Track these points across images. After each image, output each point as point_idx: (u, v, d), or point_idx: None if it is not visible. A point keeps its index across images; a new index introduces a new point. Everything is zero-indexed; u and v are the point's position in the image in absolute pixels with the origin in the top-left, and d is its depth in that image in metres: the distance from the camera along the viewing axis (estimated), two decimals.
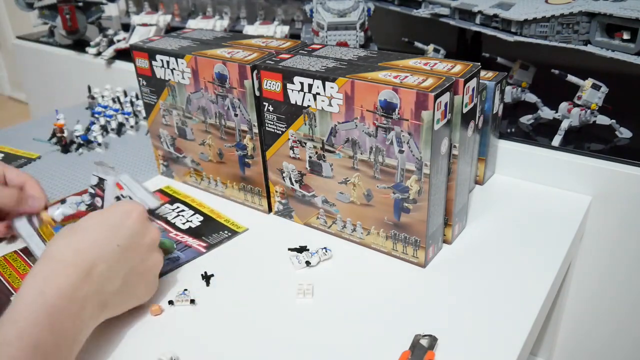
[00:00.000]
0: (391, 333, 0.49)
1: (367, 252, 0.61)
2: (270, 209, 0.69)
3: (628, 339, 0.77)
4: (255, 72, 0.60)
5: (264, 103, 0.61)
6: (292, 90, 0.58)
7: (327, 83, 0.55)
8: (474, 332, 0.49)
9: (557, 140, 0.74)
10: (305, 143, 0.60)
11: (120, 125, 0.95)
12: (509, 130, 0.79)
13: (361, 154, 0.56)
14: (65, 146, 0.88)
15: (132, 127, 0.95)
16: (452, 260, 0.59)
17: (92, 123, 0.93)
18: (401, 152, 0.53)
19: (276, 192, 0.67)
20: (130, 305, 0.51)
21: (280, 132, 0.62)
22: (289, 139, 0.61)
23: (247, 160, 0.67)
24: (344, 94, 0.54)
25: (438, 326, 0.50)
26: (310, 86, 0.56)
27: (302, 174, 0.63)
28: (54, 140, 0.89)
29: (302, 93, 0.57)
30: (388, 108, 0.52)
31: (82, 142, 0.87)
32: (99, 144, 0.88)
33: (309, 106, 0.57)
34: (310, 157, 0.61)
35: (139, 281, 0.51)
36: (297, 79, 0.57)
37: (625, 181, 0.67)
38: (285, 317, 0.52)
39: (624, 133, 0.75)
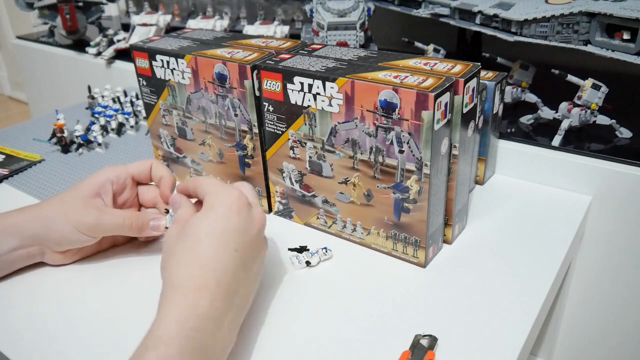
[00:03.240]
0: (391, 333, 0.49)
1: (367, 252, 0.61)
2: (270, 209, 0.69)
3: (628, 338, 0.77)
4: (256, 72, 0.60)
5: (264, 103, 0.61)
6: (292, 90, 0.58)
7: (327, 83, 0.55)
8: (474, 332, 0.49)
9: (557, 140, 0.74)
10: (306, 143, 0.60)
11: (120, 125, 0.95)
12: (509, 130, 0.79)
13: (361, 154, 0.56)
14: (65, 146, 0.88)
15: (132, 127, 0.95)
16: (452, 260, 0.59)
17: (92, 123, 0.93)
18: (401, 152, 0.53)
19: (276, 192, 0.67)
20: (255, 291, 0.50)
21: (280, 132, 0.62)
22: (289, 139, 0.61)
23: (247, 160, 0.67)
24: (344, 94, 0.54)
25: (438, 326, 0.50)
26: (310, 86, 0.56)
27: (302, 174, 0.63)
28: (54, 140, 0.89)
29: (302, 93, 0.57)
30: (388, 108, 0.52)
31: (82, 142, 0.87)
32: (99, 144, 0.88)
33: (309, 106, 0.58)
34: (310, 157, 0.61)
35: (257, 269, 0.50)
36: (297, 79, 0.57)
37: (625, 181, 0.67)
38: (284, 317, 0.52)
39: (624, 133, 0.75)
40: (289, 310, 0.53)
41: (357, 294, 0.55)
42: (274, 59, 0.61)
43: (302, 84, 0.57)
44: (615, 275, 0.74)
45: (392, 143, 0.53)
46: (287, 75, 0.58)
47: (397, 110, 0.51)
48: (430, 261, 0.59)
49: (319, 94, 0.56)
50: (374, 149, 0.55)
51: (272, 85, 0.59)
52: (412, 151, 0.52)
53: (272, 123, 0.62)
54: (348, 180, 0.59)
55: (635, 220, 0.69)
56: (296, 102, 0.58)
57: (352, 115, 0.55)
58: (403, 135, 0.52)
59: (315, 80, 0.56)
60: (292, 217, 0.67)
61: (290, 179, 0.64)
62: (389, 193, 0.56)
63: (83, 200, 0.55)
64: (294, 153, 0.62)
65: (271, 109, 0.61)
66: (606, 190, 0.69)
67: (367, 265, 0.59)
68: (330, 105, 0.56)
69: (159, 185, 0.59)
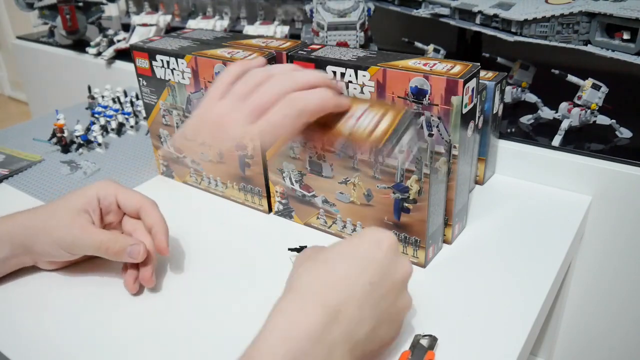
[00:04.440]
0: None
1: None
2: (270, 209, 0.69)
3: (628, 338, 0.77)
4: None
5: None
6: None
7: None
8: (474, 332, 0.49)
9: (557, 140, 0.74)
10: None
11: (120, 125, 0.95)
12: (509, 130, 0.79)
13: (361, 153, 0.57)
14: (65, 146, 0.88)
15: (132, 127, 0.95)
16: (452, 260, 0.59)
17: (92, 123, 0.94)
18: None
19: (276, 192, 0.67)
20: (375, 350, 0.44)
21: None
22: None
23: (247, 160, 0.67)
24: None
25: (438, 326, 0.50)
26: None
27: (302, 174, 0.63)
28: (54, 140, 0.89)
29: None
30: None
31: (82, 142, 0.87)
32: (99, 144, 0.88)
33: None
34: (310, 157, 0.61)
35: (389, 325, 0.44)
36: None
37: (625, 181, 0.67)
38: None
39: (624, 133, 0.75)
40: None
41: None
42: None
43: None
44: (615, 275, 0.74)
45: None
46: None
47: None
48: (430, 261, 0.59)
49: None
50: (373, 149, 0.55)
51: None
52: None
53: None
54: (348, 181, 0.59)
55: (635, 220, 0.69)
56: None
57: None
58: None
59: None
60: (292, 217, 0.67)
61: (290, 179, 0.64)
62: (388, 193, 0.56)
63: (71, 214, 0.54)
64: (294, 153, 0.62)
65: None
66: (606, 190, 0.69)
67: None
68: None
69: (151, 233, 0.56)
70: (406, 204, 0.56)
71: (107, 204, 0.56)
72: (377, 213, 0.59)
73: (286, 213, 0.68)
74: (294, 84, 0.49)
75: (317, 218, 0.65)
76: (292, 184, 0.65)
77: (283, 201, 0.67)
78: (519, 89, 0.84)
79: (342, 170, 0.59)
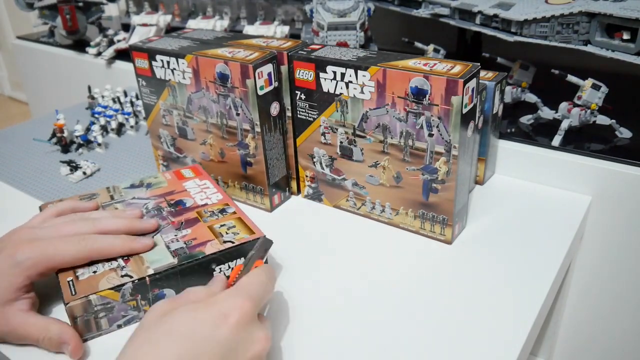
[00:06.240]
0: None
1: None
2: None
3: (628, 338, 0.77)
4: (260, 66, 0.60)
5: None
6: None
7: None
8: (474, 332, 0.49)
9: (557, 140, 0.74)
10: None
11: (120, 125, 0.95)
12: (509, 130, 0.79)
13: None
14: (65, 146, 0.88)
15: (132, 127, 0.95)
16: (451, 260, 0.59)
17: (92, 123, 0.94)
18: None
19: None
20: None
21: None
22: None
23: (248, 159, 0.67)
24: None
25: (437, 327, 0.50)
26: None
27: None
28: (54, 140, 0.89)
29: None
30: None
31: (82, 142, 0.87)
32: (99, 144, 0.88)
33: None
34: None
35: None
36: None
37: (625, 181, 0.68)
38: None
39: (624, 133, 0.75)
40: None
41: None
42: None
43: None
44: (615, 275, 0.74)
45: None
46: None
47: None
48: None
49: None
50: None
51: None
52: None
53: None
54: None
55: (634, 220, 0.69)
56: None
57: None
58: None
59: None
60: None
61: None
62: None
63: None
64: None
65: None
66: (606, 190, 0.69)
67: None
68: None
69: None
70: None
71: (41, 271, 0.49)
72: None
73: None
74: (92, 226, 0.52)
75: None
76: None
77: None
78: (519, 89, 0.84)
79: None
